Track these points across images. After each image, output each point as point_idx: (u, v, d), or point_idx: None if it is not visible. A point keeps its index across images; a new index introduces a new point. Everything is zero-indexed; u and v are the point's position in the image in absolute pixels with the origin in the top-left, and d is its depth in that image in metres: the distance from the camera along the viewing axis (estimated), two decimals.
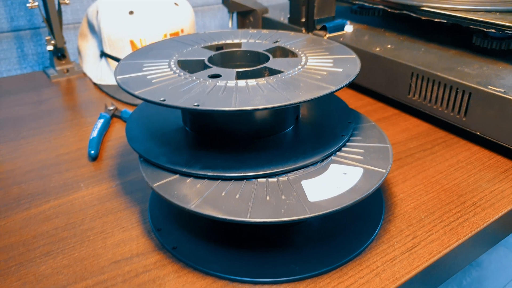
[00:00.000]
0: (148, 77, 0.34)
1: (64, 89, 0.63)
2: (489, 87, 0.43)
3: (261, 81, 0.32)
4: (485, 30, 0.47)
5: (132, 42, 0.60)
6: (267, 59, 0.38)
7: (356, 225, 0.35)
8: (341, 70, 0.35)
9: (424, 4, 0.52)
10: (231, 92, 0.30)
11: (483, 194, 0.39)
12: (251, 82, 0.32)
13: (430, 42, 0.56)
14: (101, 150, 0.47)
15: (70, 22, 0.76)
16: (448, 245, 0.33)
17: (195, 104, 0.29)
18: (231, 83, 0.32)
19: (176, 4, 0.64)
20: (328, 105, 0.42)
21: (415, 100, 0.51)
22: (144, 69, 0.35)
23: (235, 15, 0.79)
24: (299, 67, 0.35)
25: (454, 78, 0.45)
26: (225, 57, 0.40)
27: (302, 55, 0.38)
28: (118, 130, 0.51)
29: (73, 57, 0.77)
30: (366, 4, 0.60)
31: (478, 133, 0.45)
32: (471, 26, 0.48)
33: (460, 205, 0.37)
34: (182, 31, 0.64)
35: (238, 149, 0.34)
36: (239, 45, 0.42)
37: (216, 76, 0.34)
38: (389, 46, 0.55)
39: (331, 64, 0.36)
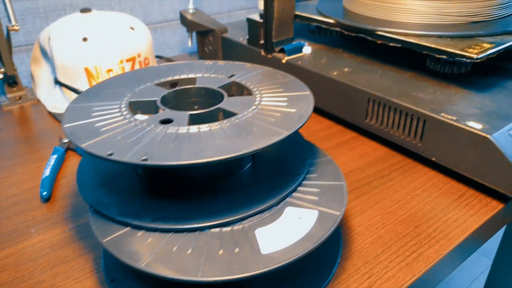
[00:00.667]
0: (96, 125, 0.33)
1: (17, 118, 0.61)
2: (442, 114, 0.44)
3: (214, 126, 0.32)
4: (436, 56, 0.48)
5: (87, 70, 0.58)
6: (222, 98, 0.37)
7: (313, 266, 0.35)
8: (294, 110, 0.35)
9: (378, 28, 0.53)
10: (182, 142, 0.30)
11: (438, 224, 0.39)
12: (204, 127, 0.32)
13: (386, 64, 0.57)
14: (54, 188, 0.45)
15: (22, 44, 0.74)
16: (403, 283, 0.33)
17: (143, 158, 0.28)
18: (183, 129, 0.32)
19: (132, 28, 0.63)
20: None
21: (372, 124, 0.51)
22: (94, 114, 0.34)
23: (194, 34, 0.78)
24: (253, 107, 0.35)
25: (409, 105, 0.46)
26: (179, 95, 0.40)
27: (257, 92, 0.38)
28: (74, 165, 0.49)
29: (27, 80, 0.74)
30: (323, 26, 0.61)
31: (434, 159, 0.46)
32: (424, 52, 0.49)
33: (415, 237, 0.38)
34: (139, 55, 0.63)
35: (193, 193, 0.33)
36: (193, 80, 0.41)
37: (167, 121, 0.33)
38: (346, 69, 0.56)
39: (285, 104, 0.36)
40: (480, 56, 0.44)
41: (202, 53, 0.79)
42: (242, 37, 0.70)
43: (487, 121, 0.42)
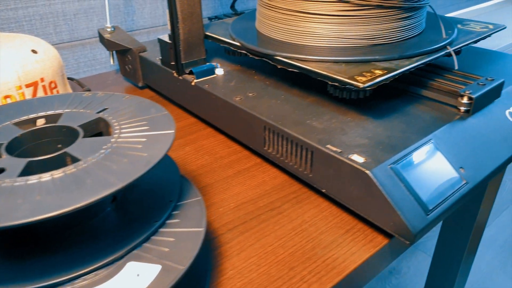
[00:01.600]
0: None
1: None
2: (327, 146, 0.42)
3: (57, 174, 0.30)
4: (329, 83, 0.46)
5: None
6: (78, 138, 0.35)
7: None
8: (146, 154, 0.32)
9: (277, 53, 0.51)
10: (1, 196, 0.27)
11: (315, 264, 0.38)
12: (33, 179, 0.29)
13: (293, 87, 0.56)
14: None
15: None
16: None
17: None
18: (10, 181, 0.29)
19: (34, 51, 0.60)
20: (158, 171, 0.40)
21: (270, 152, 0.49)
22: None
23: (115, 52, 0.76)
24: (102, 151, 0.33)
25: (298, 135, 0.45)
26: (37, 135, 0.37)
27: (117, 131, 0.36)
28: None
29: None
30: (232, 48, 0.59)
31: (324, 191, 0.44)
32: (318, 78, 0.48)
33: (288, 281, 0.36)
34: (42, 80, 0.60)
35: (31, 248, 0.31)
36: (59, 116, 0.39)
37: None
38: (251, 94, 0.54)
39: (140, 146, 0.34)
40: (367, 85, 0.43)
41: (124, 71, 0.76)
42: (158, 57, 0.68)
43: (372, 153, 0.41)
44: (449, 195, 0.40)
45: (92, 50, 0.89)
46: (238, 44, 0.57)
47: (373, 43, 0.52)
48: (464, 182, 0.42)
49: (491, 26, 0.60)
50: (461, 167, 0.43)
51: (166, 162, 0.42)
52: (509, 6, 1.97)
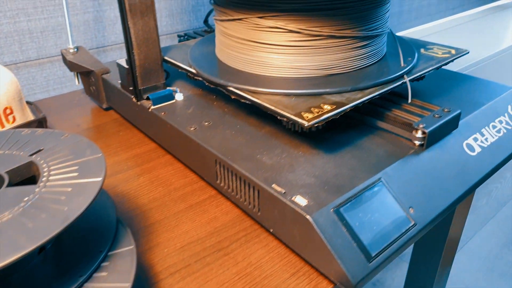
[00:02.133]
0: None
1: None
2: (273, 185, 0.41)
3: None
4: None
5: None
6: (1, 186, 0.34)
7: None
8: (65, 208, 0.31)
9: (230, 84, 0.50)
10: None
11: None
12: None
13: (250, 115, 0.54)
14: None
15: None
16: None
17: None
18: None
19: None
20: (95, 213, 0.38)
21: (222, 187, 0.48)
22: None
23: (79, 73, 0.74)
24: (22, 204, 0.31)
25: (245, 172, 0.43)
26: None
27: (46, 177, 0.35)
28: None
29: None
30: (189, 74, 0.57)
31: (271, 230, 0.43)
32: (268, 112, 0.47)
33: None
34: None
35: None
36: None
37: None
38: (206, 123, 0.53)
39: (63, 198, 0.32)
40: (312, 123, 0.42)
41: (89, 92, 0.75)
42: (119, 80, 0.66)
43: (316, 195, 0.40)
44: (396, 238, 0.39)
45: (62, 67, 0.87)
46: (194, 71, 0.56)
47: (327, 73, 0.51)
48: (412, 223, 0.41)
49: (453, 51, 0.59)
50: (410, 207, 0.42)
51: (104, 203, 0.40)
52: (496, 12, 1.96)
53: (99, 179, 0.34)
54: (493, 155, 0.51)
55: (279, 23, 0.48)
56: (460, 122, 0.51)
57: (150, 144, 0.63)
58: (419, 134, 0.46)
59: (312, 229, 0.37)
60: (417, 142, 0.47)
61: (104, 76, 0.69)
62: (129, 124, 0.68)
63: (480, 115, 0.55)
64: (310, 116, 0.42)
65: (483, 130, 0.53)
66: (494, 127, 0.54)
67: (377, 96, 0.47)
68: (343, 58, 0.50)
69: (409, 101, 0.49)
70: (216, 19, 0.58)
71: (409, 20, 1.77)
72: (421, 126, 0.46)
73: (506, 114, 0.57)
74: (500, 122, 0.55)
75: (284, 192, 0.40)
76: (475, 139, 0.51)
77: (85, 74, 0.72)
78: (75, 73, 0.74)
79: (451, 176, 0.47)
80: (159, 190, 0.53)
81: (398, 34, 1.60)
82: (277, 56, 0.50)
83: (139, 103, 0.60)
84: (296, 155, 0.46)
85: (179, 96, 0.60)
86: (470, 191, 0.47)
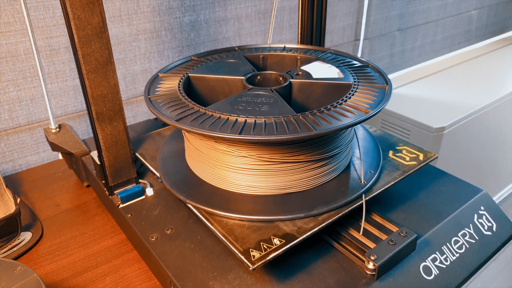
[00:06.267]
0: None
1: None
2: None
3: None
4: None
5: None
6: None
7: None
8: None
9: (188, 201, 0.51)
10: None
11: None
12: None
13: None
14: None
15: None
16: None
17: None
18: None
19: None
20: None
21: None
22: None
23: None
24: None
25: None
26: None
27: None
28: None
29: None
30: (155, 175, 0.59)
31: None
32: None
33: None
34: None
35: None
36: None
37: None
38: (168, 231, 0.54)
39: None
40: (257, 265, 0.42)
41: (71, 168, 0.77)
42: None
43: None
44: None
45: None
46: (158, 176, 0.57)
47: (284, 192, 0.51)
48: None
49: (421, 157, 0.59)
50: None
51: None
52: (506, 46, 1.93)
53: None
54: (451, 277, 0.51)
55: (232, 148, 0.49)
56: (420, 241, 0.52)
57: (121, 235, 0.64)
58: (370, 266, 0.47)
59: None
60: (369, 272, 0.47)
61: (83, 158, 0.71)
62: (105, 207, 0.70)
63: (442, 230, 0.55)
64: (257, 255, 0.43)
65: (443, 247, 0.53)
66: (456, 242, 0.54)
67: (332, 223, 0.48)
68: (298, 179, 0.51)
69: (361, 232, 0.50)
70: None
71: (412, 58, 1.76)
72: (372, 257, 0.47)
73: (471, 225, 0.57)
74: (464, 235, 0.55)
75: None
76: (434, 259, 0.51)
77: (66, 153, 0.74)
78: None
79: None
80: None
81: (399, 72, 1.57)
82: (235, 174, 0.51)
83: (110, 197, 0.61)
84: (248, 283, 0.47)
85: (149, 191, 0.62)
86: None
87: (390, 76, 1.61)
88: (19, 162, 0.88)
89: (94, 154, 0.63)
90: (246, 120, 0.47)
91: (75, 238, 0.63)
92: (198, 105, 0.51)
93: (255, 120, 0.47)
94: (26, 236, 0.62)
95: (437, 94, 1.40)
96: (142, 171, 0.66)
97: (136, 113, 1.01)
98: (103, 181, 0.62)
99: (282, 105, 0.51)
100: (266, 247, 0.44)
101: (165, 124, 0.75)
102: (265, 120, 0.47)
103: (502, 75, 1.55)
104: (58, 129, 0.74)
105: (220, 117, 0.48)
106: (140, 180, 0.63)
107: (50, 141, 0.72)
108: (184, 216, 0.57)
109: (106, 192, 0.62)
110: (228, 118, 0.48)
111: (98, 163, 0.61)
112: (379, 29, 1.51)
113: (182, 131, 0.59)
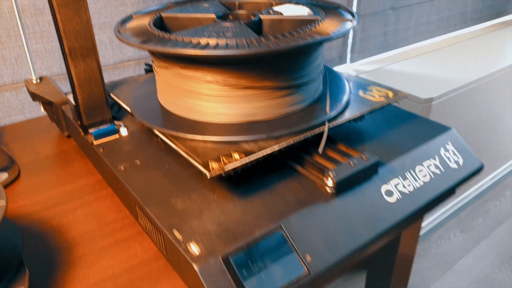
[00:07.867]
0: None
1: None
2: (173, 231, 0.43)
3: None
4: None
5: None
6: None
7: None
8: None
9: (154, 127, 0.52)
10: None
11: None
12: None
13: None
14: None
15: None
16: None
17: None
18: None
19: None
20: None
21: (143, 226, 0.50)
22: None
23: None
24: None
25: (153, 217, 0.45)
26: None
27: None
28: None
29: None
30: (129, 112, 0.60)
31: (176, 272, 0.45)
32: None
33: None
34: None
35: None
36: None
37: None
38: (138, 162, 0.55)
39: None
40: (215, 175, 0.43)
41: (52, 119, 0.78)
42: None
43: (212, 243, 0.42)
44: (285, 286, 0.41)
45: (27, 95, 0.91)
46: (129, 111, 0.58)
47: (249, 120, 0.52)
48: (304, 270, 0.42)
49: (391, 95, 0.60)
50: (307, 254, 0.43)
51: (11, 244, 0.43)
52: (500, 29, 1.93)
53: None
54: (413, 202, 0.52)
55: (198, 74, 0.50)
56: (383, 167, 0.52)
57: (97, 175, 0.65)
58: (329, 182, 0.48)
59: (198, 278, 0.39)
60: (328, 190, 0.48)
61: (63, 107, 0.72)
62: (83, 153, 0.71)
63: (406, 158, 0.55)
64: (215, 167, 0.44)
65: (406, 173, 0.54)
66: (421, 170, 0.55)
67: (290, 146, 0.49)
68: (264, 107, 0.52)
69: (320, 152, 0.50)
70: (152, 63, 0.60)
71: (406, 38, 1.76)
72: (331, 174, 0.47)
73: (436, 157, 0.57)
74: (429, 166, 0.56)
75: (182, 240, 0.42)
76: (397, 184, 0.52)
77: (47, 103, 0.75)
78: (39, 102, 0.77)
79: (360, 223, 0.48)
80: (92, 224, 0.55)
81: (393, 51, 1.57)
82: (201, 102, 0.52)
83: (85, 137, 0.62)
84: (209, 199, 0.48)
85: (123, 131, 0.63)
86: (380, 237, 0.48)
87: (383, 54, 1.62)
88: (4, 121, 0.90)
89: (70, 96, 0.64)
90: (208, 42, 0.48)
91: (51, 179, 0.65)
92: (164, 32, 0.52)
93: (217, 42, 0.48)
94: (1, 176, 0.63)
95: (429, 70, 1.41)
96: (119, 116, 0.67)
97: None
98: (79, 122, 0.63)
99: (248, 33, 0.52)
100: (225, 161, 0.45)
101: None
102: (227, 42, 0.48)
103: (495, 54, 1.56)
104: (39, 81, 0.75)
105: (183, 40, 0.49)
106: (115, 122, 0.64)
107: (30, 91, 0.74)
108: (155, 150, 0.58)
109: (82, 132, 0.63)
110: (191, 41, 0.49)
111: (73, 103, 0.62)
112: (372, 7, 1.52)
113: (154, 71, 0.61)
